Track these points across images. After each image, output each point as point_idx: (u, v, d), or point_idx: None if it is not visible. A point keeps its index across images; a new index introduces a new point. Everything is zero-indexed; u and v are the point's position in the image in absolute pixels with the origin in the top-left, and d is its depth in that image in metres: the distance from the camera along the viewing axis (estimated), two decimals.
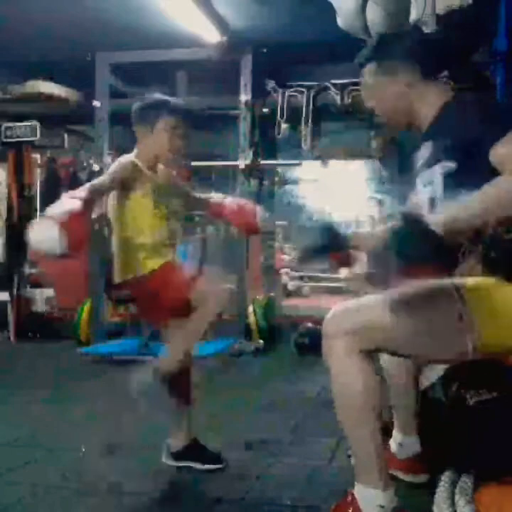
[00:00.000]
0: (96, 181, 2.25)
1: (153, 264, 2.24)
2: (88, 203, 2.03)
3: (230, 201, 2.54)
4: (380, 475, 1.58)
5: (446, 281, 1.62)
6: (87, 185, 2.18)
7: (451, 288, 1.56)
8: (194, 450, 2.32)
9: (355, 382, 1.56)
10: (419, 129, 1.79)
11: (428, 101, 1.74)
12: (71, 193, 2.05)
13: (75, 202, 1.97)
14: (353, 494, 1.60)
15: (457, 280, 1.60)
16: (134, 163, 2.28)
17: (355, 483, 1.61)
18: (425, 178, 1.69)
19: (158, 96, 2.38)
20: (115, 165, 2.28)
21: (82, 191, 2.06)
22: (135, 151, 2.35)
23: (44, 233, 1.90)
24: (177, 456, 2.32)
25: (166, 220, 2.31)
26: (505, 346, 1.55)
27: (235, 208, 2.50)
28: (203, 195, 2.59)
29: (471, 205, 1.43)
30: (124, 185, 2.24)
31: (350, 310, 1.63)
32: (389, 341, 1.58)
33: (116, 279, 2.29)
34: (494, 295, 1.54)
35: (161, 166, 2.39)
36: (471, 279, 1.60)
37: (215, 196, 2.61)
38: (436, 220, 1.40)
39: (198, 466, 2.28)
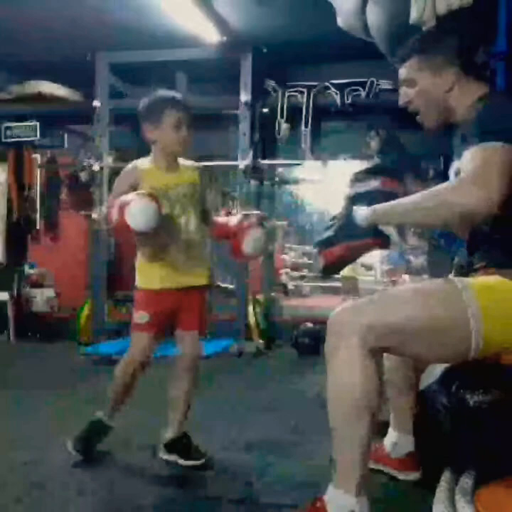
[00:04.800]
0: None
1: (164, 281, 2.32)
2: None
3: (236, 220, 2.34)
4: (360, 481, 1.52)
5: (453, 279, 1.65)
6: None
7: (458, 285, 1.57)
8: (180, 444, 2.33)
9: (356, 381, 1.53)
10: (452, 125, 1.77)
11: (468, 96, 1.71)
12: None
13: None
14: (322, 500, 1.56)
15: (464, 279, 1.62)
16: (136, 168, 2.30)
17: (330, 486, 1.56)
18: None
19: (161, 92, 2.38)
20: (120, 178, 2.31)
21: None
22: (151, 153, 2.37)
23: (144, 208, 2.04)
24: (166, 448, 2.34)
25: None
26: (506, 343, 1.55)
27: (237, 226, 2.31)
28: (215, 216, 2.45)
29: (402, 204, 1.63)
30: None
31: (360, 308, 1.61)
32: (398, 339, 1.56)
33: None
34: (500, 293, 1.55)
35: (185, 165, 2.38)
36: (477, 278, 1.61)
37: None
38: (362, 213, 1.67)
39: (181, 461, 2.29)
